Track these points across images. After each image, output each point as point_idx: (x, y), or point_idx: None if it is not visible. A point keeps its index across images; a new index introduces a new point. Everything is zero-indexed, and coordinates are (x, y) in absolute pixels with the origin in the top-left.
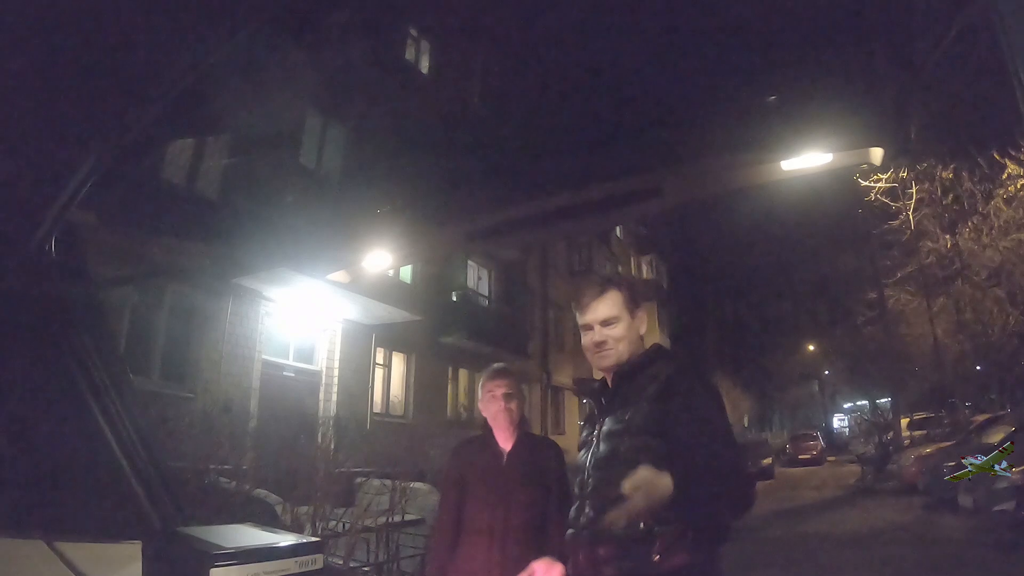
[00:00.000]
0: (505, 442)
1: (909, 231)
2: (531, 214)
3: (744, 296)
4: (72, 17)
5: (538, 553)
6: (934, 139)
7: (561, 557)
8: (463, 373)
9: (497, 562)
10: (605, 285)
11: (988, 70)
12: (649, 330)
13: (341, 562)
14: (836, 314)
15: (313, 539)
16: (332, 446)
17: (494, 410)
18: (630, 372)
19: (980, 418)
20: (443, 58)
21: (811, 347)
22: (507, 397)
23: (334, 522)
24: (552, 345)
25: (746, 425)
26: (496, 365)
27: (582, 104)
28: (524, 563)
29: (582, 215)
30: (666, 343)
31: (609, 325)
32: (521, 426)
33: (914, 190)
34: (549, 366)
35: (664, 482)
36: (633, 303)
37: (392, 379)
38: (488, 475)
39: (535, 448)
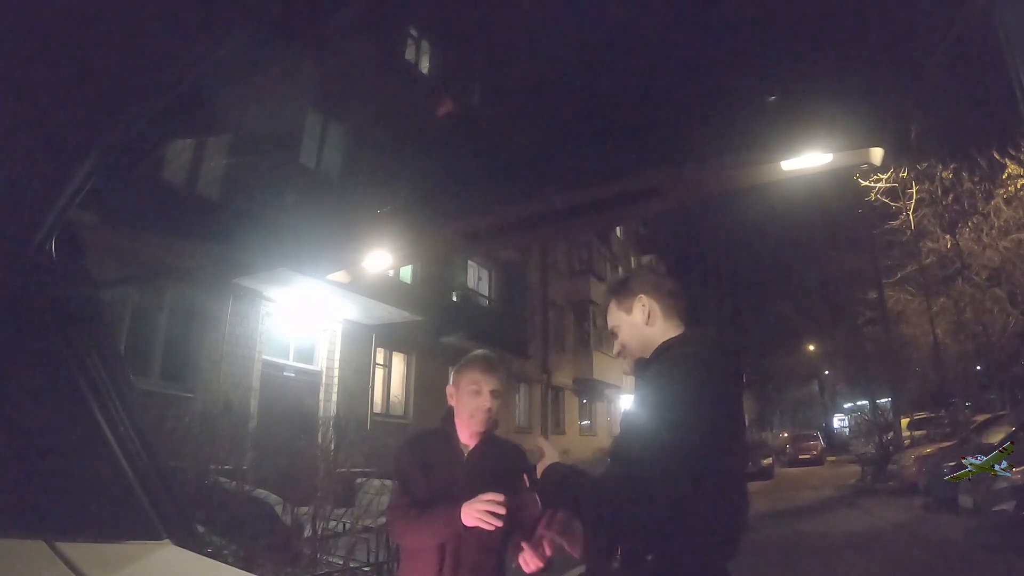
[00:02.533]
0: (468, 439)
1: (909, 231)
2: (531, 214)
3: (744, 296)
4: (72, 16)
5: (499, 567)
6: (934, 139)
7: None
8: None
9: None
10: (607, 295)
11: (988, 70)
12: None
13: (341, 562)
14: (836, 314)
15: None
16: (332, 446)
17: (472, 407)
18: (638, 376)
19: (980, 418)
20: (443, 58)
21: (811, 347)
22: (494, 395)
23: (334, 522)
24: (552, 345)
25: (746, 425)
26: (484, 354)
27: (582, 104)
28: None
29: (582, 215)
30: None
31: (616, 334)
32: (492, 426)
33: (914, 190)
34: (549, 366)
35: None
36: (626, 304)
37: (392, 379)
38: (445, 474)
39: (500, 450)
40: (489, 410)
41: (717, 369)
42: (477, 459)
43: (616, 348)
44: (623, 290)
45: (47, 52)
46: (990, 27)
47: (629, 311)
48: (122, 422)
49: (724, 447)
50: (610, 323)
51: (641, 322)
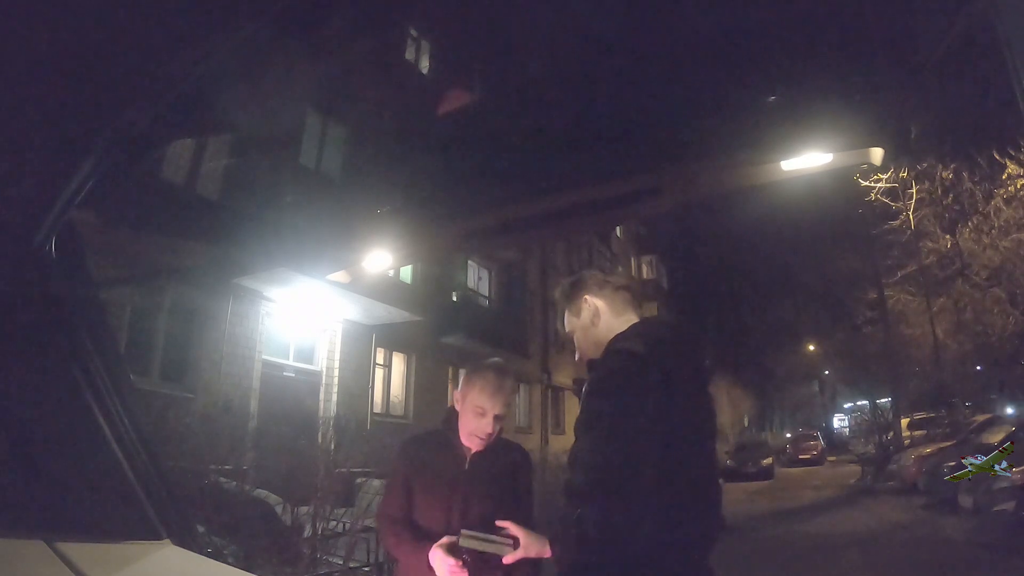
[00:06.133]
0: (471, 443)
1: (909, 231)
2: (531, 214)
3: (744, 296)
4: (72, 16)
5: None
6: (934, 139)
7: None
8: (463, 373)
9: None
10: (560, 303)
11: (988, 70)
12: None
13: (341, 562)
14: (836, 314)
15: None
16: (332, 446)
17: (473, 426)
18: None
19: (980, 418)
20: (443, 58)
21: (811, 347)
22: (498, 420)
23: (334, 522)
24: (552, 345)
25: (746, 425)
26: (496, 369)
27: (581, 103)
28: None
29: (582, 215)
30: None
31: (573, 335)
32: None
33: (914, 190)
34: (549, 366)
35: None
36: (575, 308)
37: (392, 379)
38: (445, 479)
39: (503, 453)
40: (490, 435)
41: (657, 359)
42: (479, 465)
43: (577, 354)
44: (572, 293)
45: (48, 51)
46: (990, 27)
47: (579, 315)
48: (122, 422)
49: (669, 442)
50: (567, 329)
51: (589, 323)
